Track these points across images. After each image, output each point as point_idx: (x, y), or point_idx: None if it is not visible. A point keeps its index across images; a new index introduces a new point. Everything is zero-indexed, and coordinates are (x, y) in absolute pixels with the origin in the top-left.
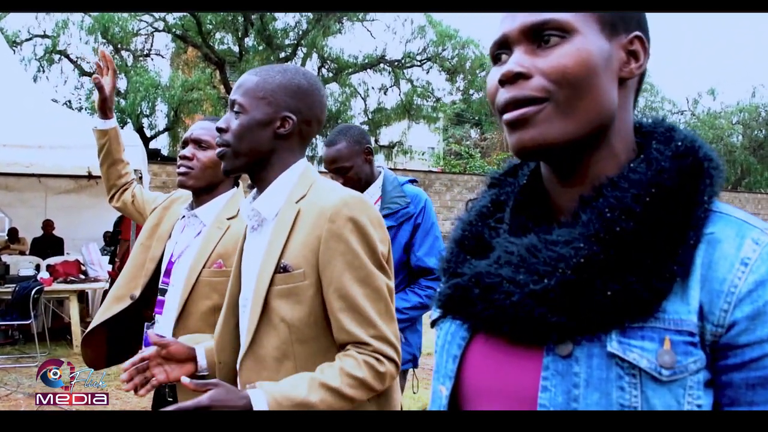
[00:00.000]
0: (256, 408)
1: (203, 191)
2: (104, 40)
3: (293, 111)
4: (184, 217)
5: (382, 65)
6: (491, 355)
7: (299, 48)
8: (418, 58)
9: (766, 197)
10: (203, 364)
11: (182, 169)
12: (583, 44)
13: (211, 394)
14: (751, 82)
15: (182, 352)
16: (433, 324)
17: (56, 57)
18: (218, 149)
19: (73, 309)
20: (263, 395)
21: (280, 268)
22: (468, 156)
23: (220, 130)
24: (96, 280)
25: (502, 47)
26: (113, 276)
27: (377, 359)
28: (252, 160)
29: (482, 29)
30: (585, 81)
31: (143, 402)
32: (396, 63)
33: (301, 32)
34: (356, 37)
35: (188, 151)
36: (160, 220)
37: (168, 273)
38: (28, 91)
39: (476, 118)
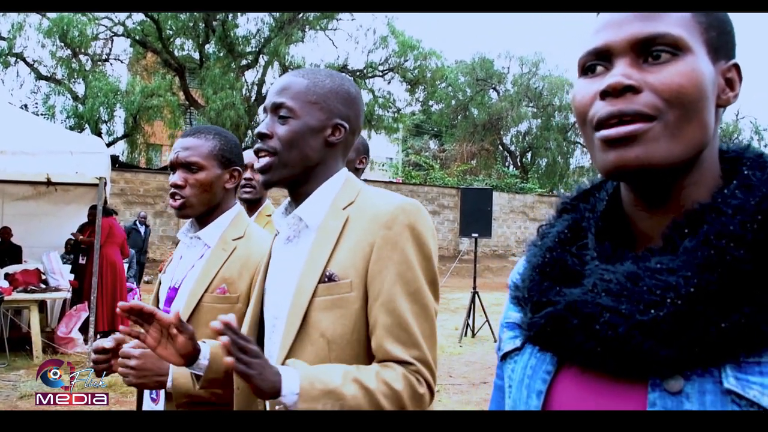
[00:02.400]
0: (285, 386)
1: (204, 214)
2: (62, 44)
3: (344, 119)
4: (181, 243)
5: (343, 74)
6: (585, 391)
7: (261, 55)
8: (380, 68)
9: None
10: (204, 363)
11: (177, 201)
12: (697, 65)
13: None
14: None
15: (187, 351)
16: (505, 357)
17: (12, 60)
18: (263, 159)
19: (34, 319)
20: (296, 375)
21: (325, 278)
22: (428, 167)
23: (263, 136)
24: (57, 289)
25: (601, 58)
26: (74, 286)
27: (418, 380)
28: (300, 171)
29: (444, 40)
30: (696, 103)
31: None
32: (358, 72)
33: (263, 39)
34: (319, 45)
35: (178, 177)
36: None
37: (169, 301)
38: None
39: (435, 129)
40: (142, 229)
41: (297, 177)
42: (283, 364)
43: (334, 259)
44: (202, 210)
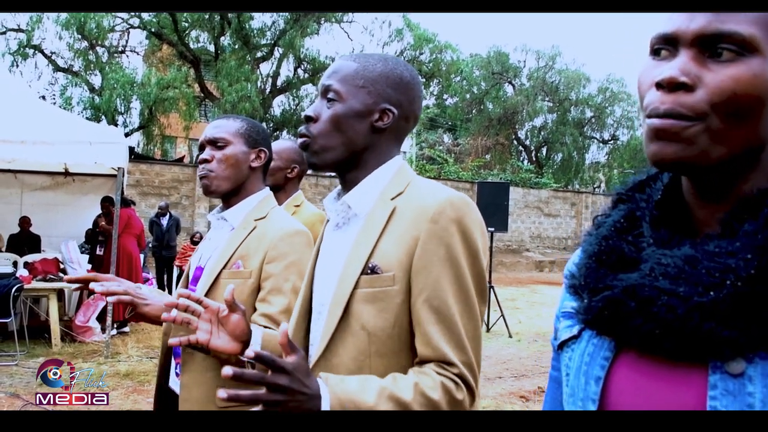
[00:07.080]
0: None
1: (231, 194)
2: (80, 36)
3: (394, 104)
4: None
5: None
6: (643, 375)
7: (276, 48)
8: None
9: None
10: (255, 350)
11: (203, 173)
12: (761, 68)
13: (295, 363)
14: None
15: (240, 330)
16: (562, 346)
17: (30, 51)
18: (302, 140)
19: (53, 307)
20: (327, 394)
21: (368, 269)
22: (442, 161)
23: (308, 119)
24: None
25: (668, 43)
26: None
27: (456, 384)
28: (344, 156)
29: (459, 33)
30: (749, 109)
31: (143, 403)
32: None
33: (278, 32)
34: (334, 38)
35: (206, 153)
36: None
37: (195, 280)
38: (6, 84)
39: (450, 123)
40: (164, 221)
41: (342, 161)
42: (322, 354)
43: (378, 251)
44: (228, 187)
